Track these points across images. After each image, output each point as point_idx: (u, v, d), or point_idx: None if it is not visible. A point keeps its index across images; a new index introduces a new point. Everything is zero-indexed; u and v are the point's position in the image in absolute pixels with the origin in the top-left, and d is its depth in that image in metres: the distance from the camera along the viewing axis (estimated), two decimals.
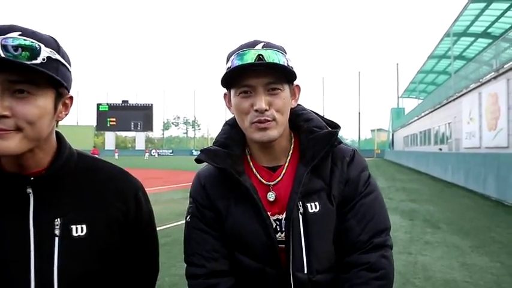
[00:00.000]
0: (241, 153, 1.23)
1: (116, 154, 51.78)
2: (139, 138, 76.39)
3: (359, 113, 67.15)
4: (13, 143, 0.91)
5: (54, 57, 0.95)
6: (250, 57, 1.09)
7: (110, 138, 74.93)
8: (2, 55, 0.87)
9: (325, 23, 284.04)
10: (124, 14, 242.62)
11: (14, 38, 0.90)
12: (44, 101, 0.95)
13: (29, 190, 1.00)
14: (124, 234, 1.11)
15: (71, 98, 1.04)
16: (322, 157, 1.17)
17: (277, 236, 1.14)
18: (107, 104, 74.62)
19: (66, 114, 1.04)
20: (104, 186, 1.11)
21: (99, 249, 1.06)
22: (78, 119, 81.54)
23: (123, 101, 76.78)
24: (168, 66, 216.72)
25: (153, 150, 69.39)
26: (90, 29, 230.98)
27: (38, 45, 0.92)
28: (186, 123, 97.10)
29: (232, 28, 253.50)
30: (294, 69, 1.14)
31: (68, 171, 1.07)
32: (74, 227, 1.02)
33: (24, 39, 0.91)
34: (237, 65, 1.09)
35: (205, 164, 1.25)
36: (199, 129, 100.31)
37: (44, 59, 0.93)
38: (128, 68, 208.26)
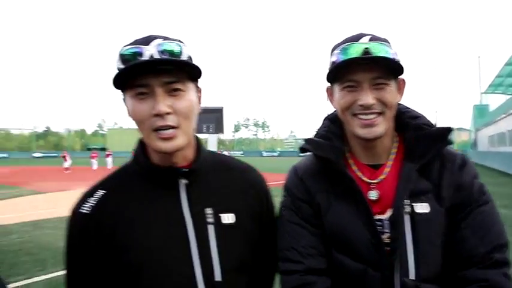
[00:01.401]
0: (342, 148, 1.19)
1: None
2: (211, 140, 79.21)
3: (436, 112, 63.09)
4: (179, 140, 1.01)
5: (190, 54, 1.05)
6: (355, 51, 1.04)
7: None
8: (159, 57, 0.97)
9: (396, 13, 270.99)
10: (195, 17, 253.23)
11: (162, 44, 0.99)
12: (192, 95, 1.04)
13: (184, 181, 1.07)
14: (261, 226, 1.17)
15: (200, 90, 1.12)
16: (433, 155, 1.09)
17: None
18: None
19: (199, 107, 1.10)
20: (240, 179, 1.19)
21: (247, 238, 1.12)
22: None
23: None
24: (237, 69, 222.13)
25: (225, 152, 71.46)
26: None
27: (180, 46, 1.02)
28: (255, 125, 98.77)
29: (309, 28, 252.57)
30: (401, 63, 1.07)
31: (208, 165, 1.14)
32: (223, 215, 1.08)
33: (170, 43, 1.00)
34: (341, 59, 1.05)
35: (302, 157, 1.25)
36: (268, 130, 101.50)
37: (188, 56, 1.04)
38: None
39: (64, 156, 29.95)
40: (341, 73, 1.07)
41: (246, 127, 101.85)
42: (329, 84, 1.17)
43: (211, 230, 1.05)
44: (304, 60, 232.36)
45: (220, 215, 1.08)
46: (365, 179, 1.14)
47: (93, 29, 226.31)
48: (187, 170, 1.07)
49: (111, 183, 1.12)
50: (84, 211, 1.05)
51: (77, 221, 1.06)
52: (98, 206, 1.05)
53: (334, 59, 1.09)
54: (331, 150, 1.14)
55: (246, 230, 1.12)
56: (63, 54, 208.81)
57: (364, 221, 1.09)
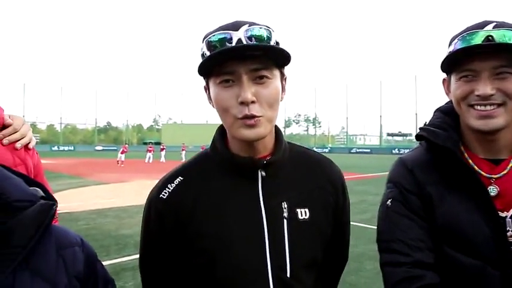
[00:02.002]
0: (458, 139, 1.13)
1: None
2: None
3: None
4: (262, 128, 0.99)
5: (277, 40, 1.01)
6: (476, 39, 0.99)
7: None
8: (247, 43, 0.94)
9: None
10: (243, 12, 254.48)
11: (250, 29, 0.96)
12: (277, 83, 1.01)
13: (262, 173, 1.06)
14: (335, 222, 1.14)
15: (286, 78, 1.09)
16: None
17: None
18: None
19: (284, 96, 1.08)
20: (317, 173, 1.15)
21: (320, 234, 1.09)
22: (208, 118, 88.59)
23: None
24: (289, 65, 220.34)
25: None
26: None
27: (269, 30, 0.99)
28: (306, 120, 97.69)
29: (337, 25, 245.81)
30: None
31: (286, 157, 1.11)
32: (299, 210, 1.06)
33: (259, 28, 0.97)
34: (459, 47, 1.01)
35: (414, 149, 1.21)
36: (319, 126, 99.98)
37: (276, 42, 1.00)
38: None
39: (123, 150, 30.63)
40: (458, 62, 1.03)
41: (297, 123, 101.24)
42: (445, 75, 1.13)
43: (285, 225, 1.04)
44: (356, 56, 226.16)
45: (297, 209, 1.06)
46: (483, 173, 1.08)
47: (150, 29, 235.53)
48: (266, 161, 1.05)
49: (190, 171, 1.13)
50: (163, 197, 1.07)
51: (156, 206, 1.08)
52: (177, 193, 1.07)
53: (451, 48, 1.05)
54: (448, 140, 1.09)
55: (320, 226, 1.10)
56: (123, 54, 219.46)
57: (484, 216, 1.03)
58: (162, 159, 34.24)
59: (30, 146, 1.29)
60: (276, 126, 1.10)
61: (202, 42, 1.00)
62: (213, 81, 1.01)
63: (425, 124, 1.19)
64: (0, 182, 0.76)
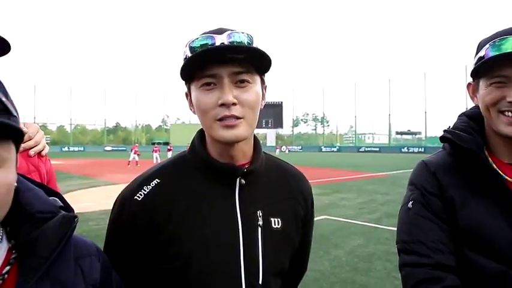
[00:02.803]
0: (482, 143, 1.13)
1: None
2: (270, 135, 79.62)
3: None
4: (242, 130, 0.99)
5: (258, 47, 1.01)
6: (509, 45, 0.99)
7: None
8: (228, 44, 0.96)
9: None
10: (252, 12, 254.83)
11: (232, 34, 0.98)
12: (258, 88, 1.02)
13: (242, 181, 1.05)
14: (302, 233, 1.17)
15: (266, 86, 1.10)
16: None
17: None
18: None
19: (264, 102, 1.09)
20: (291, 185, 1.17)
21: (290, 243, 1.12)
22: None
23: None
24: (297, 64, 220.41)
25: (284, 147, 71.45)
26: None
27: (251, 37, 1.00)
28: (314, 119, 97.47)
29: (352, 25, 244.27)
30: None
31: (263, 167, 1.12)
32: (272, 219, 1.07)
33: (241, 34, 0.99)
34: (491, 54, 1.01)
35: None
36: (328, 125, 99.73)
37: (256, 46, 1.01)
38: None
39: (133, 150, 30.54)
40: (488, 68, 1.03)
41: (305, 122, 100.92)
42: (471, 79, 1.13)
43: (260, 232, 1.05)
44: (364, 54, 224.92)
45: (271, 218, 1.07)
46: (507, 177, 1.08)
47: (159, 30, 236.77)
48: (245, 169, 1.05)
49: (167, 173, 1.10)
50: (138, 198, 1.04)
51: (129, 206, 1.04)
52: (153, 195, 1.04)
53: (482, 53, 1.04)
54: (473, 143, 1.09)
55: (290, 236, 1.12)
56: (132, 55, 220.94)
57: (508, 220, 1.03)
58: None
59: (43, 153, 1.32)
60: (254, 135, 1.10)
61: (185, 47, 1.00)
62: (194, 86, 1.00)
63: (449, 128, 1.19)
64: (24, 194, 0.78)
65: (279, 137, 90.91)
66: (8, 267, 0.75)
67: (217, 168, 1.06)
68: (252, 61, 0.99)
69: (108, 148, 74.02)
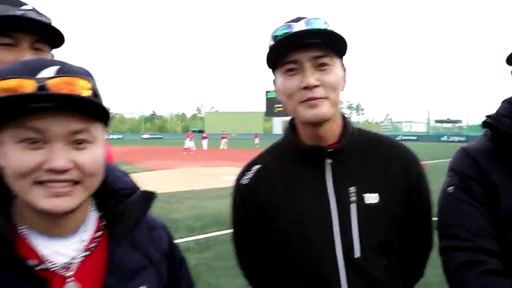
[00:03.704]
0: None
1: None
2: None
3: None
4: (325, 109, 1.08)
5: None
6: None
7: (277, 124, 79.63)
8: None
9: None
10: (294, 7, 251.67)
11: (309, 21, 1.07)
12: (338, 70, 1.11)
13: (329, 161, 1.14)
14: (409, 206, 1.17)
15: (345, 69, 1.17)
16: None
17: None
18: (275, 91, 78.99)
19: (345, 84, 1.16)
20: (389, 157, 1.20)
21: (390, 217, 1.14)
22: (249, 106, 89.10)
23: None
24: None
25: None
26: (259, 18, 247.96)
27: (327, 23, 1.09)
28: (349, 107, 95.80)
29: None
30: None
31: (354, 143, 1.18)
32: (367, 195, 1.12)
33: (317, 20, 1.08)
34: None
35: None
36: (363, 113, 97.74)
37: (332, 30, 1.09)
38: None
39: (189, 137, 31.59)
40: None
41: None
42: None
43: (353, 208, 1.11)
44: (401, 38, 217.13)
45: (363, 194, 1.12)
46: None
47: (195, 20, 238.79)
48: (332, 149, 1.13)
49: (265, 159, 1.27)
50: (244, 182, 1.24)
51: (239, 191, 1.26)
52: (255, 178, 1.22)
53: None
54: None
55: (390, 210, 1.14)
56: (169, 44, 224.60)
57: None
58: (205, 147, 34.96)
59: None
60: (342, 114, 1.17)
61: (270, 37, 1.11)
62: (278, 72, 1.12)
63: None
64: (108, 173, 0.89)
65: None
66: (100, 233, 0.88)
67: (305, 150, 1.17)
68: (329, 45, 1.07)
69: (146, 136, 76.11)
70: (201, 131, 58.68)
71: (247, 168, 1.26)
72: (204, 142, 36.17)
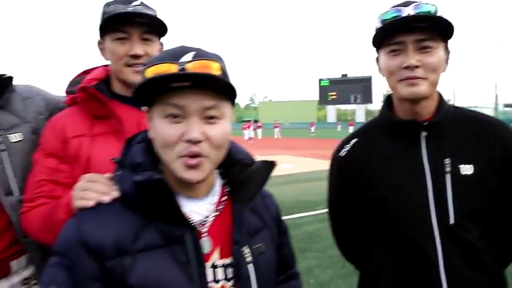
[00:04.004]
0: None
1: (339, 127, 54.36)
2: (359, 110, 76.89)
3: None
4: (423, 88, 1.19)
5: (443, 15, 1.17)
6: None
7: (331, 112, 78.21)
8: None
9: None
10: None
11: (419, 5, 1.15)
12: (440, 52, 1.21)
13: (424, 133, 1.24)
14: (504, 178, 1.24)
15: (449, 52, 1.24)
16: None
17: None
18: (328, 79, 77.55)
19: (447, 66, 1.25)
20: (484, 132, 1.27)
21: (485, 188, 1.22)
22: (302, 95, 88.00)
23: (342, 75, 78.27)
24: None
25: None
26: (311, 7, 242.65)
27: (435, 7, 1.16)
28: None
29: None
30: None
31: (449, 119, 1.27)
32: (462, 166, 1.21)
33: (427, 4, 1.15)
34: None
35: None
36: None
37: (440, 15, 1.17)
38: (347, 42, 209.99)
39: (250, 126, 32.66)
40: None
41: None
42: None
43: (448, 178, 1.20)
44: (464, 16, 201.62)
45: (459, 165, 1.21)
46: None
47: (247, 9, 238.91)
48: (428, 123, 1.23)
49: (362, 133, 1.42)
50: (342, 154, 1.39)
51: (336, 162, 1.42)
52: (352, 151, 1.37)
53: None
54: None
55: (485, 181, 1.21)
56: (220, 37, 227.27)
57: None
58: (260, 136, 35.45)
59: None
60: (438, 91, 1.27)
61: (377, 19, 1.23)
62: (383, 52, 1.24)
63: None
64: (230, 146, 1.03)
65: (368, 113, 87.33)
66: (225, 197, 1.03)
67: (401, 124, 1.29)
68: (435, 29, 1.16)
69: None
70: (256, 121, 59.29)
71: (345, 142, 1.41)
72: (259, 131, 36.67)
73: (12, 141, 1.43)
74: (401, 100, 1.27)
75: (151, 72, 0.89)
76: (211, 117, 0.91)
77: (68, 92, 1.50)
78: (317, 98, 79.18)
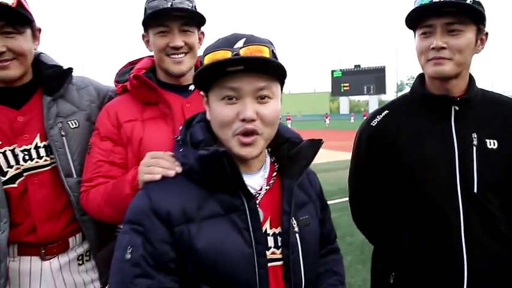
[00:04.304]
0: None
1: (352, 118, 54.14)
2: (372, 101, 76.04)
3: None
4: (448, 68, 1.29)
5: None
6: None
7: (344, 103, 77.55)
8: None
9: None
10: None
11: None
12: (469, 35, 1.30)
13: (456, 107, 1.35)
14: None
15: (487, 34, 1.35)
16: None
17: None
18: (340, 70, 76.85)
19: (479, 51, 1.36)
20: (508, 112, 1.39)
21: (508, 163, 1.33)
22: (315, 86, 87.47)
23: (355, 66, 77.42)
24: (400, 26, 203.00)
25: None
26: None
27: None
28: None
29: None
30: None
31: (479, 99, 1.40)
32: (487, 140, 1.32)
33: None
34: None
35: None
36: None
37: (471, 1, 1.25)
38: (360, 32, 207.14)
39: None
40: None
41: (411, 86, 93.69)
42: None
43: (474, 151, 1.31)
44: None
45: (485, 140, 1.32)
46: None
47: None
48: (459, 99, 1.34)
49: (393, 106, 1.54)
50: (373, 124, 1.49)
51: (367, 132, 1.50)
52: (384, 121, 1.47)
53: None
54: None
55: (508, 156, 1.33)
56: (234, 26, 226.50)
57: None
58: None
59: None
60: (470, 74, 1.36)
61: (413, 2, 1.33)
62: (417, 33, 1.36)
63: None
64: (280, 126, 1.10)
65: (381, 103, 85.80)
66: (275, 173, 1.12)
67: (434, 98, 1.39)
68: (464, 13, 1.26)
69: None
70: None
71: (377, 113, 1.51)
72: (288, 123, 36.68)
73: (72, 127, 1.57)
74: (432, 78, 1.38)
75: (208, 59, 0.99)
76: (263, 97, 0.99)
77: (117, 82, 1.63)
78: (330, 89, 78.64)
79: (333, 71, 78.66)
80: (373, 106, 78.61)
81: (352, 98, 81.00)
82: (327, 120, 39.42)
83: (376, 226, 1.56)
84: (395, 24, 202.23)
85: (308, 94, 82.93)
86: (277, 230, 1.07)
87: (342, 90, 76.26)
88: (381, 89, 77.68)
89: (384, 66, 76.47)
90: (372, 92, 76.87)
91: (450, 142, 1.34)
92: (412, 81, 1.54)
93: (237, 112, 0.97)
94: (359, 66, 77.05)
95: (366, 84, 75.30)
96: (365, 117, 1.61)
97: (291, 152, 1.11)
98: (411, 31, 1.43)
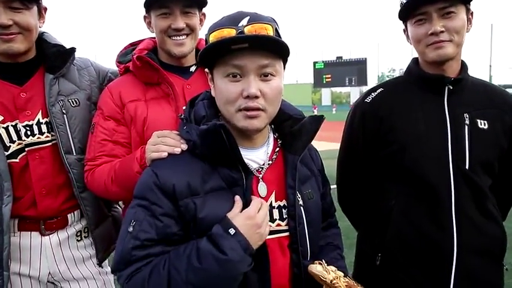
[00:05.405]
0: None
1: (334, 109, 54.46)
2: (353, 93, 76.49)
3: None
4: (449, 50, 1.35)
5: None
6: None
7: (326, 95, 77.84)
8: None
9: None
10: None
11: None
12: (462, 16, 1.36)
13: (450, 87, 1.40)
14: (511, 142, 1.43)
15: (472, 13, 1.39)
16: None
17: None
18: (322, 61, 76.89)
19: (469, 30, 1.41)
20: (498, 98, 1.47)
21: (496, 144, 1.40)
22: (297, 78, 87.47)
23: (337, 58, 77.36)
24: (382, 19, 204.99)
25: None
26: None
27: None
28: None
29: None
30: None
31: (469, 82, 1.46)
32: (478, 120, 1.38)
33: None
34: None
35: None
36: None
37: None
38: (341, 24, 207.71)
39: None
40: None
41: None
42: None
43: (466, 129, 1.36)
44: None
45: (477, 120, 1.38)
46: None
47: None
48: (453, 79, 1.39)
49: (388, 85, 1.60)
50: (367, 101, 1.52)
51: (361, 108, 1.54)
52: (378, 98, 1.51)
53: None
54: None
55: (497, 137, 1.39)
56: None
57: None
58: None
59: None
60: (462, 60, 1.42)
61: None
62: (409, 23, 1.42)
63: None
64: (283, 104, 1.15)
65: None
66: (278, 148, 1.17)
67: (428, 77, 1.44)
68: None
69: None
70: None
71: (371, 90, 1.56)
72: None
73: (72, 106, 1.61)
74: (429, 63, 1.43)
75: (213, 36, 1.01)
76: (267, 75, 1.02)
77: (119, 62, 1.65)
78: (312, 81, 78.60)
79: (315, 63, 78.31)
80: (355, 97, 78.16)
81: (334, 89, 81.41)
82: (315, 111, 39.72)
83: (363, 207, 1.59)
84: (378, 17, 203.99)
85: (290, 85, 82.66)
86: (282, 203, 1.11)
87: (324, 82, 75.96)
88: (362, 80, 77.83)
89: (366, 58, 76.69)
90: (353, 83, 76.86)
91: (443, 120, 1.39)
92: (393, 74, 1.60)
93: (241, 89, 1.00)
94: (341, 58, 77.00)
95: (347, 75, 74.99)
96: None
97: (293, 129, 1.15)
98: (393, 25, 1.50)
